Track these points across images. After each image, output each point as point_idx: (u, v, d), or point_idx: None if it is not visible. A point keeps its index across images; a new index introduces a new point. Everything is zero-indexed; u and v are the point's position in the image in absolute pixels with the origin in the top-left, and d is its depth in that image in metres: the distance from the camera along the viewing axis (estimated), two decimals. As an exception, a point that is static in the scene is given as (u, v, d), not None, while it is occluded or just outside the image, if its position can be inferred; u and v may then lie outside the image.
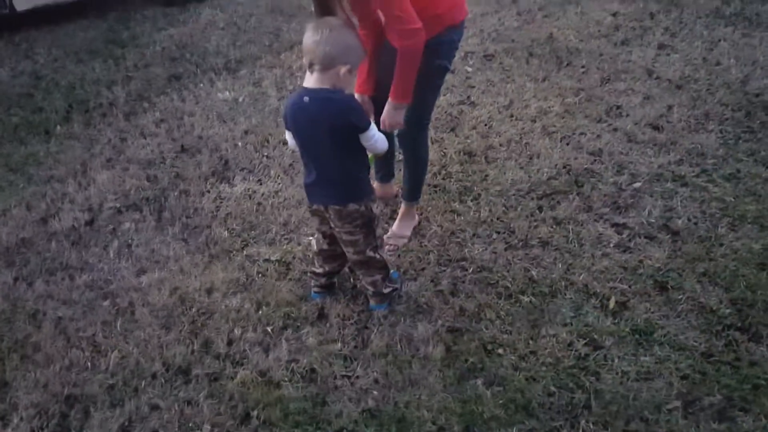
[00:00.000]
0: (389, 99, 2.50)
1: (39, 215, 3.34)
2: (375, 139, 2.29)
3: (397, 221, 3.03)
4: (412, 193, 2.98)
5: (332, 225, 2.43)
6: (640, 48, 4.48)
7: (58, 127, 4.13)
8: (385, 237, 2.95)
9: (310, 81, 2.22)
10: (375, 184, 3.22)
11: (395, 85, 2.46)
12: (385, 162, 3.13)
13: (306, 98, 2.22)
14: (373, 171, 3.04)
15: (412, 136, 2.77)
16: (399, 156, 3.01)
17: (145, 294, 2.77)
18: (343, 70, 2.18)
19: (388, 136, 2.59)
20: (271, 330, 2.53)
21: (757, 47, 4.34)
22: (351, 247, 2.45)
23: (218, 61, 4.85)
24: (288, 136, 2.40)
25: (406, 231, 3.00)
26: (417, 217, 3.07)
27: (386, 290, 2.56)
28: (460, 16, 2.58)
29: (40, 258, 3.05)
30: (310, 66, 2.20)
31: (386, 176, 3.21)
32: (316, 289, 2.66)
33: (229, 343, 2.49)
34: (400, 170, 3.01)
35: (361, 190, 2.39)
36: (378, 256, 2.49)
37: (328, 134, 2.24)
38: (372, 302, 2.59)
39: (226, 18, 5.63)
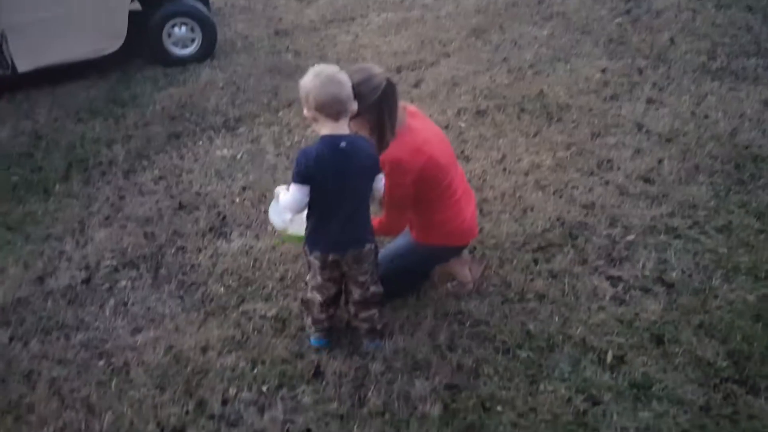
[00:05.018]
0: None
1: (36, 274, 3.34)
2: (382, 180, 2.43)
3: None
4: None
5: (346, 269, 2.47)
6: (630, 103, 4.57)
7: (57, 186, 4.16)
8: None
9: (337, 128, 2.27)
10: None
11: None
12: None
13: (343, 143, 2.27)
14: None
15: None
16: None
17: (140, 353, 2.76)
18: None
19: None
20: (267, 389, 2.51)
21: (744, 100, 4.44)
22: (360, 288, 2.50)
23: (217, 120, 4.93)
24: (302, 192, 2.28)
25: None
26: None
27: (379, 326, 2.60)
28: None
29: (36, 317, 3.04)
30: (338, 115, 2.25)
31: None
32: (319, 335, 2.67)
33: (224, 402, 2.47)
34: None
35: (371, 230, 2.49)
36: (377, 289, 2.55)
37: (360, 177, 2.34)
38: (367, 340, 2.62)
39: (225, 78, 5.73)
